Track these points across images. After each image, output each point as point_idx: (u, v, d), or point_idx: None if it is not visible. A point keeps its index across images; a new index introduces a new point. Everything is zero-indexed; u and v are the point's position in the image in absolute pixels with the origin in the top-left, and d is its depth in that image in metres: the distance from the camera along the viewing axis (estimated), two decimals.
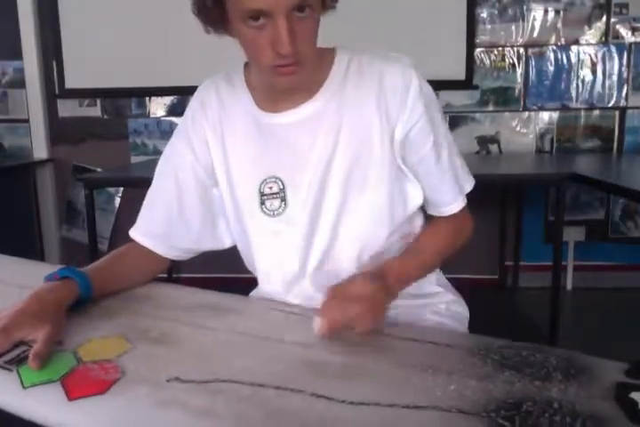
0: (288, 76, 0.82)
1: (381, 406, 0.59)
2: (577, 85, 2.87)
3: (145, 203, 1.03)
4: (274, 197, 0.94)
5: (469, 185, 1.00)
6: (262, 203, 0.94)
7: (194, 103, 1.00)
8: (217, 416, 0.58)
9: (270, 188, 0.93)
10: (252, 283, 1.06)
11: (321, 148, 0.91)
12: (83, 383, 0.64)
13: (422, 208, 1.01)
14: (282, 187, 0.93)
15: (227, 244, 1.04)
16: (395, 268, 0.90)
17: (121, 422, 0.59)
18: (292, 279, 0.96)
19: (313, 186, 0.91)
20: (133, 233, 1.03)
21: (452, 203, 0.98)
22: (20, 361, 0.70)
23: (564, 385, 0.63)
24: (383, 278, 0.84)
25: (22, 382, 0.65)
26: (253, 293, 1.06)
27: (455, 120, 2.93)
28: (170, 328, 0.81)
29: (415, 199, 0.97)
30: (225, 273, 2.44)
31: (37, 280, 0.86)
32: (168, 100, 3.07)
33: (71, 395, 0.62)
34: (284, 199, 0.93)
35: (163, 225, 1.01)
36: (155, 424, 0.58)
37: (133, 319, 0.84)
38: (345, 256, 0.94)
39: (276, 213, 0.94)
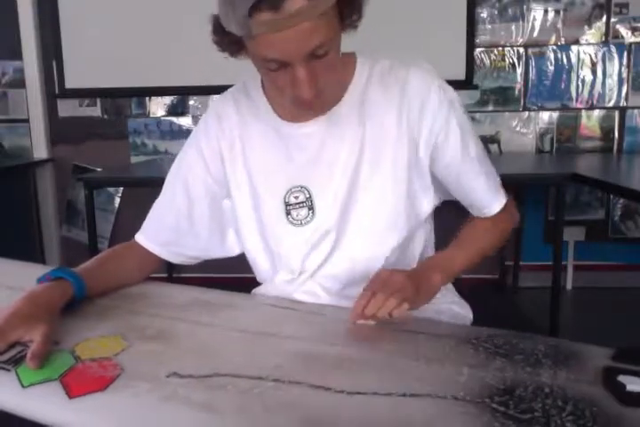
0: (310, 109, 0.85)
1: (379, 395, 0.60)
2: (577, 85, 2.87)
3: (153, 210, 1.03)
4: (300, 207, 0.93)
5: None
6: (288, 213, 0.94)
7: (209, 117, 0.99)
8: (219, 410, 0.58)
9: (296, 197, 0.93)
10: (252, 282, 1.05)
11: (347, 154, 0.91)
12: (83, 381, 0.64)
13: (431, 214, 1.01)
14: (308, 195, 0.93)
15: (236, 252, 1.04)
16: (438, 261, 0.95)
17: (124, 418, 0.59)
18: (305, 279, 0.97)
19: (340, 193, 0.91)
20: (140, 237, 1.02)
21: (493, 202, 0.99)
22: (17, 361, 0.70)
23: (554, 371, 0.64)
24: (421, 271, 0.89)
25: (21, 382, 0.65)
26: (256, 290, 1.05)
27: None
28: (166, 326, 0.81)
29: (425, 207, 0.96)
30: (225, 273, 2.44)
31: (27, 281, 0.85)
32: (168, 99, 3.07)
33: (72, 393, 0.62)
34: (311, 208, 0.93)
35: (171, 233, 1.01)
36: (158, 420, 0.58)
37: (129, 318, 0.84)
38: (364, 258, 0.94)
39: (303, 222, 0.94)
